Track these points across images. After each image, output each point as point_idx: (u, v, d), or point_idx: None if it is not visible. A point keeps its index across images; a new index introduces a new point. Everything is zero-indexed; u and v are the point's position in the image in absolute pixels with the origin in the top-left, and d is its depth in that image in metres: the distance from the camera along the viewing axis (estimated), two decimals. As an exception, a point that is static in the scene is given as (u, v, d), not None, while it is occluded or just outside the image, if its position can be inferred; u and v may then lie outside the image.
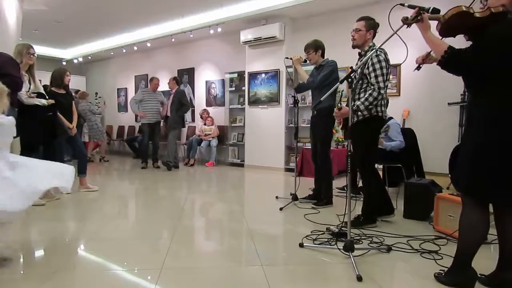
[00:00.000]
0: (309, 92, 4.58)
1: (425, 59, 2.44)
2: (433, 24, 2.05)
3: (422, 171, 4.65)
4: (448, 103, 5.14)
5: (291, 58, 4.05)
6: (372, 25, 3.08)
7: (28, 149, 4.03)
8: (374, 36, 3.10)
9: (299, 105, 4.26)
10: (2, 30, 5.75)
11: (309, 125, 6.55)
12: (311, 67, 4.13)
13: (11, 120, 2.38)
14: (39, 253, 2.64)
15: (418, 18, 2.06)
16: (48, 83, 4.53)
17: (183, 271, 2.24)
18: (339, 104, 2.90)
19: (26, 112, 3.80)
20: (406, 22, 2.16)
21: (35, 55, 4.00)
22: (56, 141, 4.26)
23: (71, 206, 4.05)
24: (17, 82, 3.27)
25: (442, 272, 2.07)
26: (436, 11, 2.05)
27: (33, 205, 3.78)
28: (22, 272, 2.29)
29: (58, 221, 3.42)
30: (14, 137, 2.49)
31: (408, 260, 2.42)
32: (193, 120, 9.01)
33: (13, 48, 4.04)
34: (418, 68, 2.53)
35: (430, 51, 2.32)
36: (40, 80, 4.20)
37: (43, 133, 3.98)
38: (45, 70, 6.61)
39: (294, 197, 4.04)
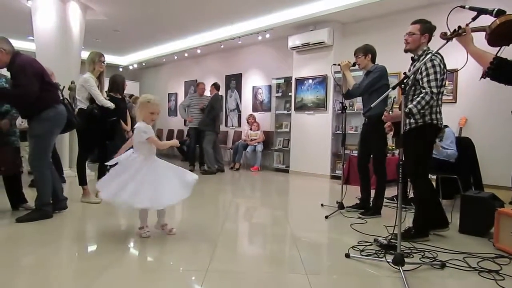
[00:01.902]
0: (359, 98, 4.45)
1: None
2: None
3: (481, 184, 4.33)
4: (512, 111, 4.76)
5: (339, 64, 3.97)
6: (427, 29, 2.92)
7: (86, 149, 4.30)
8: (429, 40, 2.94)
9: (347, 111, 4.15)
10: (67, 39, 6.24)
11: (356, 132, 6.46)
12: (360, 73, 4.03)
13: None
14: (94, 248, 2.79)
15: (459, 31, 1.95)
16: (106, 88, 4.80)
17: (227, 275, 2.25)
18: (390, 112, 2.78)
19: (88, 116, 4.07)
20: (445, 37, 2.07)
21: (105, 62, 4.30)
22: (112, 143, 4.50)
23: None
24: (27, 92, 3.11)
25: (503, 294, 1.91)
26: (501, 13, 1.92)
27: (90, 202, 4.04)
28: (78, 265, 2.44)
29: (110, 218, 3.60)
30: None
31: (465, 278, 2.26)
32: (239, 125, 9.14)
33: (76, 55, 4.35)
34: (484, 76, 2.37)
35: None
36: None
37: (102, 136, 4.23)
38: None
39: (340, 206, 3.93)
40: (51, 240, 2.84)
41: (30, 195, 4.57)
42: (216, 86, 7.40)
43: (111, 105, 4.12)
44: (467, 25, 1.95)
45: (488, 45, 1.93)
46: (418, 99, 2.75)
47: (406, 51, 3.01)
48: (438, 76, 2.73)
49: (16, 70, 3.15)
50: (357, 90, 3.83)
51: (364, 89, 3.74)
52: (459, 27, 1.96)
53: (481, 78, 2.40)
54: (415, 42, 2.92)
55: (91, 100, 4.12)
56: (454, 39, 2.07)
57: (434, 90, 2.72)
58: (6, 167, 3.51)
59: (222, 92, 9.46)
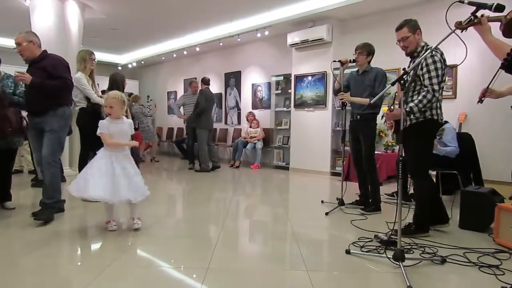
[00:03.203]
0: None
1: (485, 93, 2.36)
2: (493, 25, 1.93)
3: (481, 179, 4.34)
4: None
5: (339, 61, 3.98)
6: (415, 26, 2.90)
7: (88, 148, 4.29)
8: (421, 34, 2.94)
9: (346, 108, 4.15)
10: (66, 38, 6.22)
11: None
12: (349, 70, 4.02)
13: (130, 122, 3.10)
14: (95, 246, 2.79)
15: (475, 21, 1.94)
16: (105, 87, 4.80)
17: (229, 272, 2.26)
18: (392, 107, 2.78)
19: (89, 114, 4.07)
20: (460, 26, 2.05)
21: (96, 60, 4.28)
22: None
23: (123, 204, 4.26)
24: (68, 84, 3.39)
25: (504, 288, 1.92)
26: (500, 8, 1.91)
27: (90, 200, 4.03)
28: (79, 264, 2.45)
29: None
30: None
31: (465, 274, 2.26)
32: (239, 122, 9.14)
33: (75, 54, 4.35)
34: (481, 101, 2.42)
35: (489, 85, 2.22)
36: (98, 84, 4.48)
37: None
38: (103, 75, 7.04)
39: (341, 202, 3.94)
40: (51, 238, 2.84)
41: (31, 194, 4.59)
42: (204, 81, 7.28)
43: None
44: (482, 15, 1.94)
45: (502, 36, 1.91)
46: (419, 98, 2.74)
47: (408, 55, 2.99)
48: (439, 72, 2.72)
49: (54, 63, 3.31)
50: (378, 100, 3.63)
51: (381, 96, 3.60)
52: (475, 16, 1.94)
53: (478, 102, 2.43)
54: (413, 43, 2.92)
55: (89, 98, 4.12)
56: (465, 29, 2.06)
57: (436, 87, 2.71)
58: (14, 127, 3.48)
59: (221, 89, 9.48)
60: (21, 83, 3.50)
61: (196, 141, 7.39)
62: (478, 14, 1.99)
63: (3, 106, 3.42)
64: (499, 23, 1.95)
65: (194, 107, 7.14)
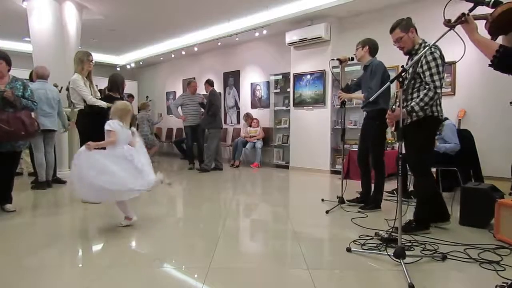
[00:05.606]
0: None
1: None
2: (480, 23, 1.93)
3: (481, 175, 4.34)
4: (510, 102, 4.76)
5: (338, 59, 3.98)
6: (406, 25, 2.90)
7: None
8: (416, 31, 2.94)
9: (346, 106, 4.15)
10: (64, 39, 6.22)
11: (355, 127, 6.45)
12: (357, 67, 4.03)
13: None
14: (96, 247, 2.80)
15: (462, 19, 1.94)
16: (103, 88, 4.79)
17: (230, 271, 2.26)
18: (393, 107, 2.78)
19: (89, 115, 4.06)
20: (449, 24, 2.06)
21: (93, 62, 4.27)
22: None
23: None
24: None
25: (505, 284, 1.91)
26: (497, 3, 1.91)
27: (90, 202, 4.03)
28: (80, 265, 2.45)
29: (111, 218, 3.60)
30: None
31: (466, 270, 2.27)
32: (238, 122, 9.13)
33: (73, 55, 4.34)
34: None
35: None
36: (96, 85, 4.47)
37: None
38: (101, 76, 7.04)
39: (341, 200, 3.94)
40: (52, 240, 2.85)
41: (31, 196, 4.59)
42: (209, 82, 7.32)
43: (101, 103, 4.08)
44: (468, 14, 1.94)
45: (488, 34, 1.91)
46: (421, 96, 2.73)
47: (406, 54, 3.00)
48: (440, 69, 2.72)
49: None
50: (371, 94, 3.69)
51: (376, 89, 3.62)
52: (463, 14, 1.95)
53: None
54: (408, 42, 2.92)
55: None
56: (456, 27, 2.06)
57: (437, 83, 2.70)
58: (28, 130, 3.46)
59: (220, 89, 9.47)
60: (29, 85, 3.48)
61: (195, 141, 7.40)
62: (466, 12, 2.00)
63: (17, 109, 3.41)
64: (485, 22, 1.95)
65: (207, 108, 7.06)
